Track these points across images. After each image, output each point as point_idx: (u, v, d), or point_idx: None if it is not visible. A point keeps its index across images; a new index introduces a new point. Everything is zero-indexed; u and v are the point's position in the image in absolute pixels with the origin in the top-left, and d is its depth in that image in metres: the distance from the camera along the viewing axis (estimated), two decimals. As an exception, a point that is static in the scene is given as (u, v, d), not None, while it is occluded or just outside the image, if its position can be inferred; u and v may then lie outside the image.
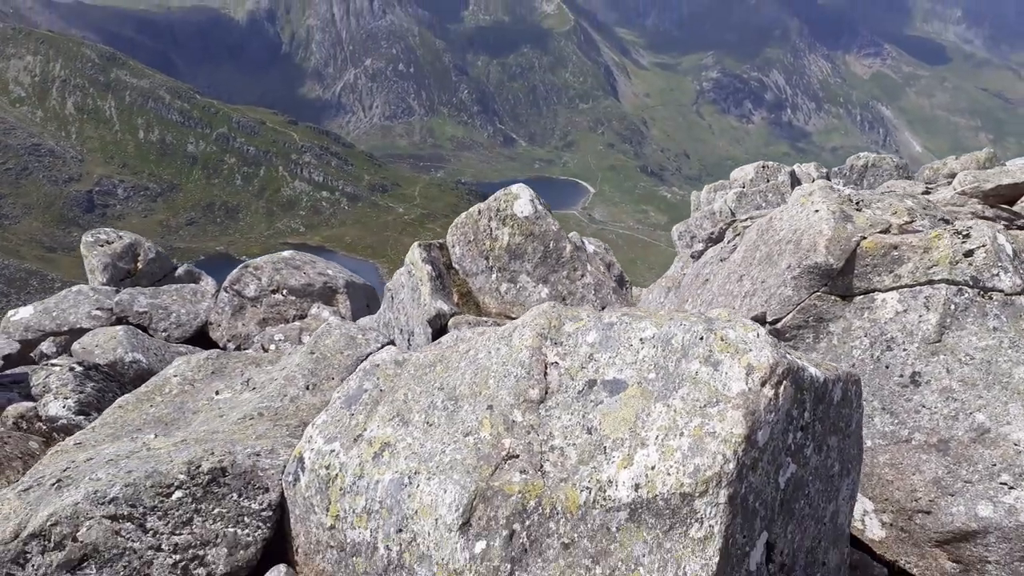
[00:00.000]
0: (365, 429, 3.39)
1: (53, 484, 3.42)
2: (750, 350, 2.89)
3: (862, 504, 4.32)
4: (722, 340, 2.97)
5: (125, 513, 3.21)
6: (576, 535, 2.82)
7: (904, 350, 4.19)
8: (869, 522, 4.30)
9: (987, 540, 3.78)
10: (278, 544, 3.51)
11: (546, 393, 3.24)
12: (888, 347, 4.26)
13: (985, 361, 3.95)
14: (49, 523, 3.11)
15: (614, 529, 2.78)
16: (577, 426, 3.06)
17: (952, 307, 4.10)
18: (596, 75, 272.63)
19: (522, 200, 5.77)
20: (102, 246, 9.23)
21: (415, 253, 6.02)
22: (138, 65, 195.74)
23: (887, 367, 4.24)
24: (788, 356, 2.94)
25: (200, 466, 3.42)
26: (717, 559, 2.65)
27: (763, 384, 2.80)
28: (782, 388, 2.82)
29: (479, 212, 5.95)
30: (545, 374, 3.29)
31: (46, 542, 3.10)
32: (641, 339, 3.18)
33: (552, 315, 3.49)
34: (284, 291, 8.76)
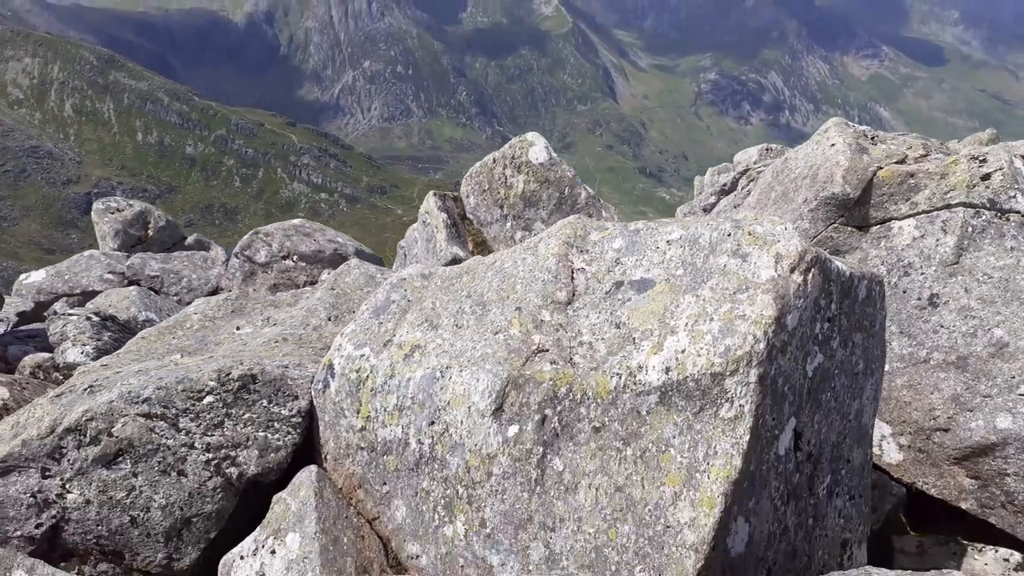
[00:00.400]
0: (395, 335, 3.43)
1: (85, 389, 3.46)
2: (778, 240, 2.94)
3: (879, 429, 4.37)
4: (750, 234, 3.02)
5: (158, 412, 3.25)
6: (607, 419, 2.86)
7: (922, 274, 4.24)
8: (887, 446, 4.34)
9: (1006, 452, 3.83)
10: (307, 453, 3.55)
11: (573, 295, 3.28)
12: (905, 272, 4.31)
13: (1003, 279, 4.00)
14: (85, 418, 3.15)
15: (644, 412, 2.82)
16: (605, 323, 3.10)
17: (970, 229, 4.15)
18: (594, 77, 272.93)
19: (537, 147, 5.81)
20: (113, 213, 9.26)
21: (430, 202, 6.06)
22: (136, 67, 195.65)
23: (904, 292, 4.29)
24: (816, 247, 2.99)
25: (230, 373, 3.46)
26: (747, 438, 2.69)
27: (792, 270, 2.84)
28: (810, 275, 2.87)
29: (494, 160, 6.00)
30: (572, 279, 3.34)
31: (82, 436, 3.13)
32: (668, 241, 3.23)
33: (578, 225, 3.53)
34: (294, 257, 8.80)
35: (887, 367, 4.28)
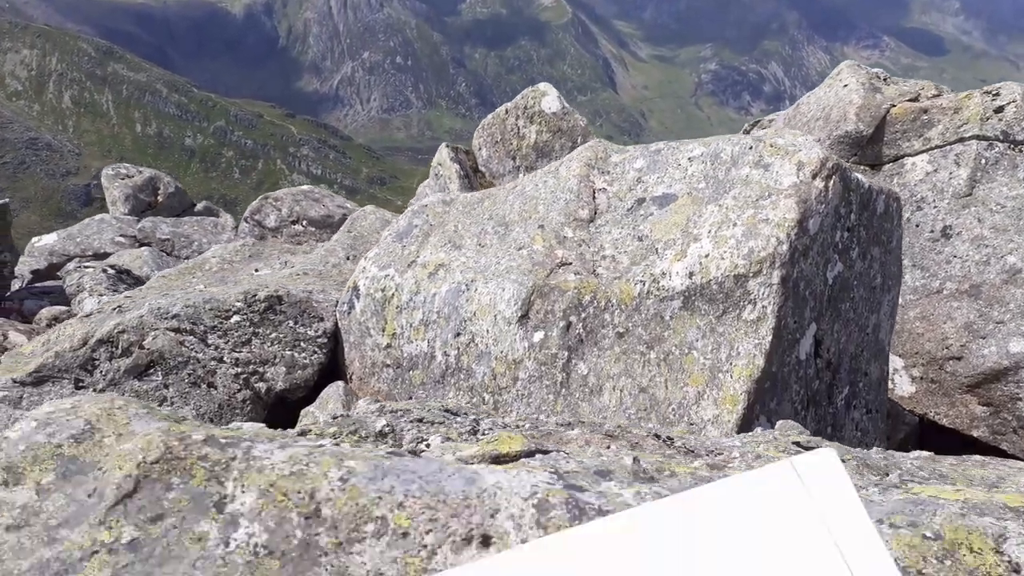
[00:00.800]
0: (418, 256, 3.48)
1: (114, 309, 3.52)
2: (800, 150, 2.99)
3: (892, 363, 4.42)
4: (771, 146, 3.07)
5: (187, 328, 3.30)
6: (631, 324, 2.92)
7: (934, 207, 4.29)
8: (899, 379, 4.40)
9: (1019, 376, 3.88)
10: (332, 375, 3.60)
11: (595, 213, 3.33)
12: (918, 207, 4.36)
13: (1016, 208, 4.04)
14: (117, 331, 3.20)
15: (668, 317, 2.88)
16: (628, 237, 3.16)
17: (983, 161, 4.19)
18: (594, 67, 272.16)
19: (550, 96, 5.86)
20: (123, 179, 9.33)
21: (443, 153, 6.10)
22: (135, 59, 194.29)
23: (917, 226, 4.34)
24: (836, 156, 3.04)
25: (256, 295, 3.51)
26: (770, 338, 2.75)
27: (814, 177, 2.90)
28: (831, 182, 2.92)
29: (506, 111, 6.04)
30: (594, 198, 3.39)
31: (114, 348, 3.19)
32: (689, 158, 3.28)
33: (599, 148, 3.58)
34: (304, 222, 8.84)
35: (900, 300, 4.34)
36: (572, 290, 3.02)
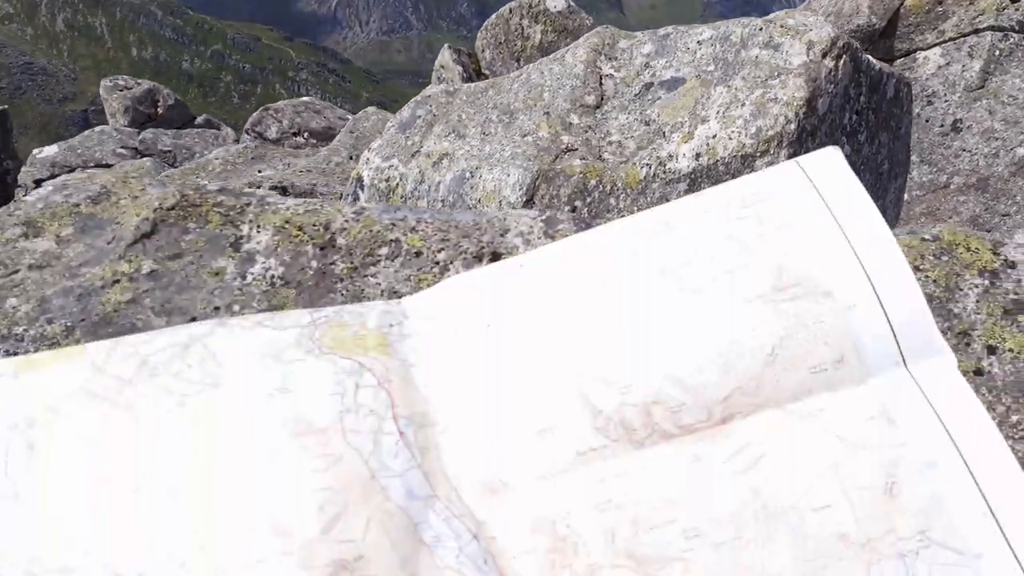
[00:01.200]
0: (422, 146, 3.46)
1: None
2: (811, 29, 2.93)
3: (896, 260, 4.44)
4: (782, 26, 3.01)
5: (193, 216, 3.31)
6: (636, 208, 2.93)
7: (945, 101, 4.22)
8: (902, 277, 4.42)
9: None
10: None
11: (602, 100, 3.29)
12: (928, 102, 4.29)
13: (1028, 100, 3.98)
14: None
15: (673, 199, 2.88)
16: (635, 122, 3.13)
17: (997, 52, 4.11)
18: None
19: (555, -5, 5.71)
20: (121, 90, 9.23)
21: (445, 55, 5.99)
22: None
23: (927, 121, 4.28)
24: (847, 36, 2.98)
25: (261, 184, 3.50)
26: (776, 219, 2.75)
27: (824, 56, 2.85)
28: (842, 62, 2.87)
29: (510, 11, 5.89)
30: (600, 84, 3.34)
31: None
32: (699, 41, 3.22)
33: (605, 34, 3.51)
34: (305, 134, 8.75)
35: (906, 196, 4.32)
36: (577, 175, 3.01)
